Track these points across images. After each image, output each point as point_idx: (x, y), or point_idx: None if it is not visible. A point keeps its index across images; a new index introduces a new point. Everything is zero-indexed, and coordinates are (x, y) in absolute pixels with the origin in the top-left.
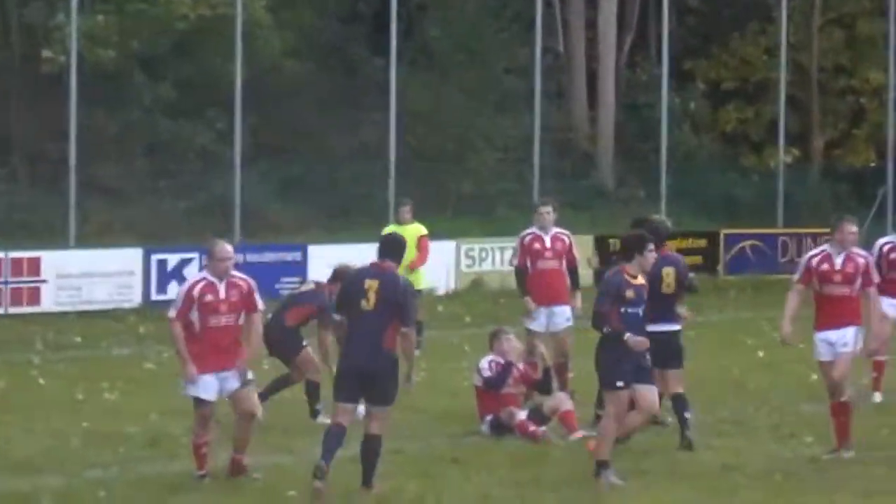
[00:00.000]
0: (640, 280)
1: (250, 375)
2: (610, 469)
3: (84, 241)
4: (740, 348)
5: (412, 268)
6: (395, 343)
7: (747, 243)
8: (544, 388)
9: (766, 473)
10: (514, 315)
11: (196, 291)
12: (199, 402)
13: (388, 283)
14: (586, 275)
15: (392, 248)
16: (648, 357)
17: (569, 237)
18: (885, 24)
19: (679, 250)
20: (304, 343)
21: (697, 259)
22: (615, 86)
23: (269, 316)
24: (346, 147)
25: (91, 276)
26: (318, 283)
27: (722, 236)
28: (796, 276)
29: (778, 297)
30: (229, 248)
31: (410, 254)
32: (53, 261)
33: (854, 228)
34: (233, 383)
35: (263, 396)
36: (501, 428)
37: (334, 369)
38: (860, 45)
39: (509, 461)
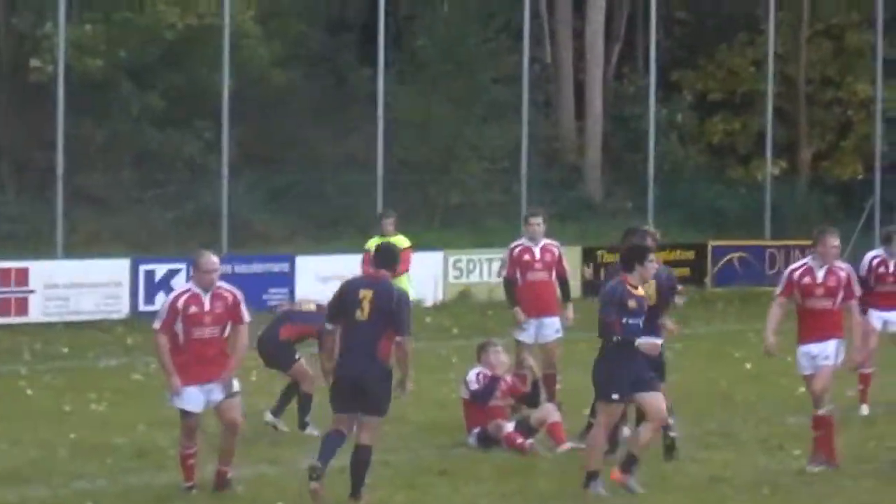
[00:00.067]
0: (641, 291)
1: (236, 387)
2: (599, 480)
3: (72, 252)
4: (728, 360)
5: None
6: (390, 353)
7: (735, 255)
8: (532, 400)
9: (753, 486)
10: (501, 326)
11: (180, 303)
12: (184, 413)
13: (382, 293)
14: (575, 286)
15: (386, 257)
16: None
17: (558, 248)
18: (873, 35)
19: (666, 262)
20: (297, 356)
21: (685, 271)
22: (602, 97)
23: (263, 329)
24: (334, 157)
25: (79, 286)
26: (319, 305)
27: (709, 248)
28: (778, 290)
29: (765, 310)
30: (215, 259)
31: None
32: (41, 271)
33: (836, 242)
34: (218, 395)
35: (278, 411)
36: (489, 440)
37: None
38: (848, 57)
39: (497, 473)
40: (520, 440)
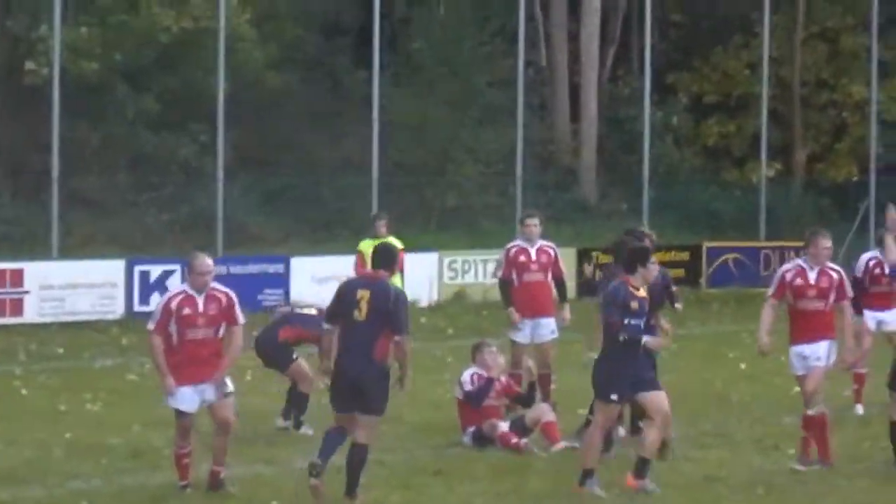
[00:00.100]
0: (643, 292)
1: (230, 387)
2: (594, 478)
3: (67, 253)
4: (723, 361)
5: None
6: (388, 353)
7: (730, 256)
8: (527, 401)
9: (748, 485)
10: (497, 327)
11: (174, 304)
12: (179, 413)
13: (379, 293)
14: (570, 287)
15: (385, 257)
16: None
17: (554, 250)
18: (868, 38)
19: (662, 263)
20: (295, 356)
21: (680, 272)
22: (598, 99)
23: (261, 329)
24: (329, 160)
25: (74, 287)
26: (320, 309)
27: (704, 249)
28: (770, 291)
29: (760, 311)
30: (210, 262)
31: None
32: (36, 272)
33: (828, 243)
34: (211, 395)
35: (287, 414)
36: (483, 440)
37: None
38: (842, 60)
39: (491, 472)
40: (514, 440)
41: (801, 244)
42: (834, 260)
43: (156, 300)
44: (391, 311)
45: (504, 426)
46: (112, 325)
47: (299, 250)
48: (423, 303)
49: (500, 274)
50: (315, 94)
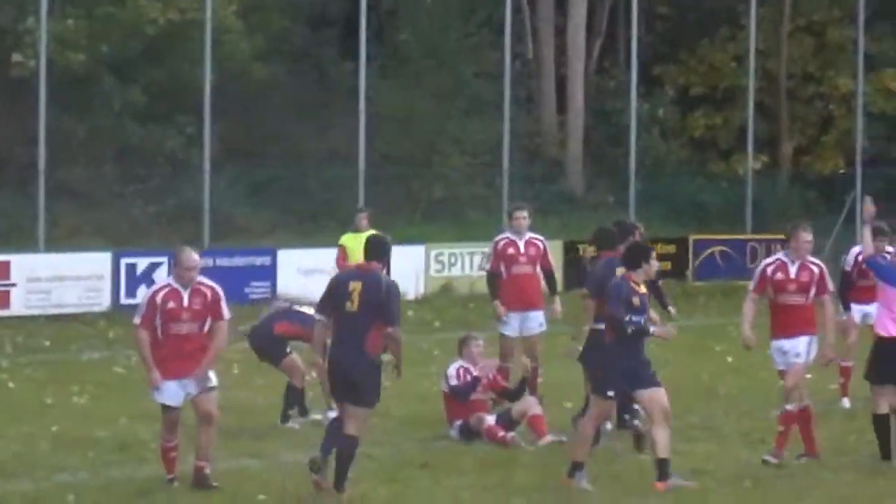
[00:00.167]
0: (643, 288)
1: (213, 381)
2: (584, 472)
3: (53, 245)
4: (709, 354)
5: None
6: (379, 345)
7: (716, 249)
8: (513, 395)
9: (735, 479)
10: (483, 320)
11: (159, 298)
12: (165, 407)
13: (371, 285)
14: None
15: (377, 249)
16: (651, 366)
17: (543, 242)
18: (854, 31)
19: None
20: (288, 350)
21: (666, 265)
22: (584, 91)
23: (256, 323)
24: (316, 151)
25: (60, 279)
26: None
27: (691, 242)
28: (751, 285)
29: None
30: (196, 256)
31: None
32: (23, 264)
33: (809, 237)
34: (193, 389)
35: (285, 409)
36: (470, 433)
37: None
38: (829, 53)
39: (478, 466)
40: (501, 433)
41: (787, 237)
42: (821, 252)
43: (143, 293)
44: (383, 302)
45: (491, 420)
46: (99, 317)
47: (286, 242)
48: (410, 296)
49: (487, 266)
50: (301, 85)
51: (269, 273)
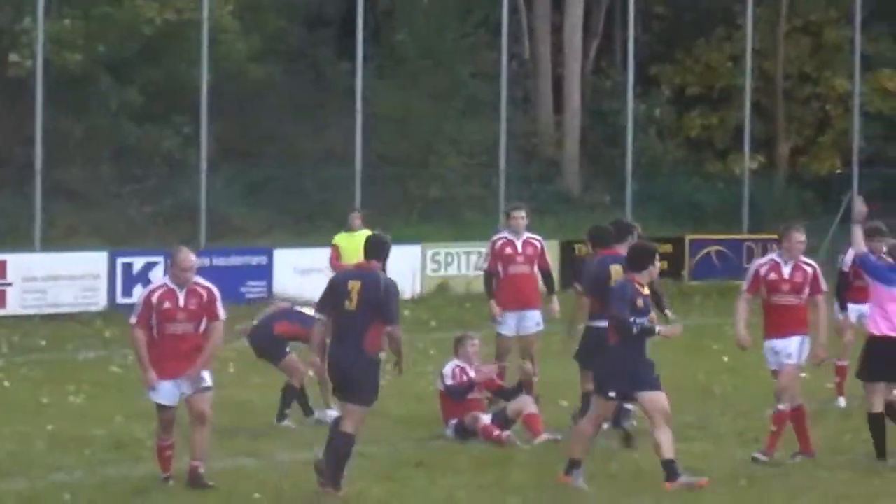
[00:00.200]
0: (646, 290)
1: (208, 381)
2: (580, 470)
3: (50, 245)
4: (705, 353)
5: None
6: (378, 344)
7: (712, 249)
8: (509, 395)
9: (731, 478)
10: (479, 319)
11: (155, 298)
12: (161, 407)
13: (369, 284)
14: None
15: (376, 248)
16: (654, 368)
17: (540, 242)
18: (851, 31)
19: None
20: (288, 350)
21: (663, 264)
22: (581, 92)
23: (257, 322)
24: (313, 152)
25: (57, 279)
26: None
27: (687, 242)
28: (745, 285)
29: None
30: (193, 257)
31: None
32: (19, 264)
33: (802, 237)
34: (186, 389)
35: (282, 408)
36: (466, 432)
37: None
38: (825, 53)
39: (474, 465)
40: (497, 432)
41: None
42: (817, 252)
43: (139, 292)
44: (381, 301)
45: (486, 419)
46: (95, 317)
47: (282, 242)
48: (406, 295)
49: (485, 266)
50: (298, 85)
51: (266, 273)
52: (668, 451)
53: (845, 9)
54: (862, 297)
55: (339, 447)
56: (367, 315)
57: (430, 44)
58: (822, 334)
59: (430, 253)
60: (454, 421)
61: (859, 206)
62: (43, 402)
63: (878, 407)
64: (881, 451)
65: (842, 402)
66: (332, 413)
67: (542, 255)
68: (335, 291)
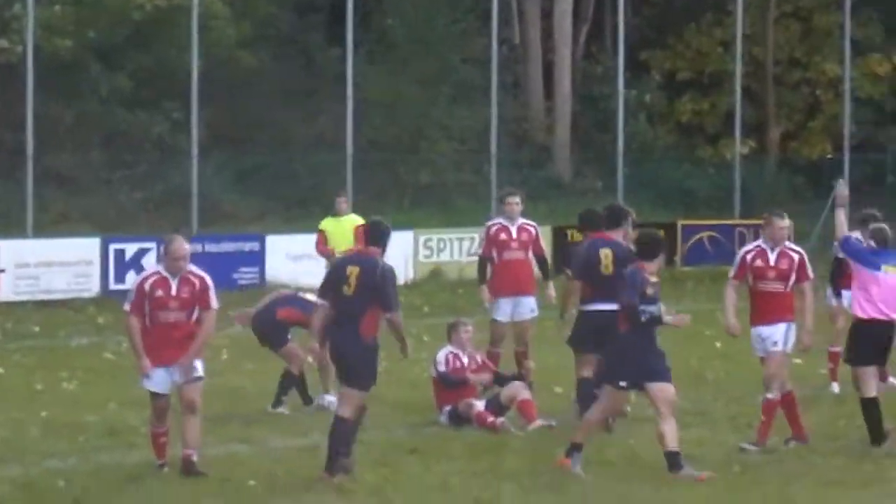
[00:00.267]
0: (655, 279)
1: (199, 371)
2: (579, 456)
3: (42, 231)
4: (698, 339)
5: None
6: (375, 329)
7: (704, 234)
8: (503, 381)
9: (724, 464)
10: (472, 305)
11: (147, 285)
12: (154, 394)
13: (367, 269)
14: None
15: (375, 234)
16: (665, 358)
17: (535, 228)
18: (841, 16)
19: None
20: (290, 337)
21: None
22: (571, 77)
23: (261, 306)
24: (304, 137)
25: (49, 265)
26: None
27: (679, 227)
28: (732, 272)
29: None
30: (186, 246)
31: (350, 244)
32: (11, 250)
33: (783, 223)
34: (178, 378)
35: (279, 394)
36: (460, 419)
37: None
38: (815, 38)
39: (468, 451)
40: (491, 419)
41: None
42: (809, 238)
43: (131, 278)
44: (378, 285)
45: (480, 405)
46: (88, 303)
47: (274, 228)
48: (399, 281)
49: (480, 251)
50: (288, 71)
51: (258, 259)
52: (672, 443)
53: None
54: None
55: (332, 431)
56: (363, 300)
57: (420, 29)
58: (808, 321)
59: (422, 239)
60: (448, 407)
61: (842, 191)
62: (36, 388)
63: (871, 391)
64: (875, 437)
65: (835, 387)
66: (330, 398)
67: (536, 240)
68: (335, 277)
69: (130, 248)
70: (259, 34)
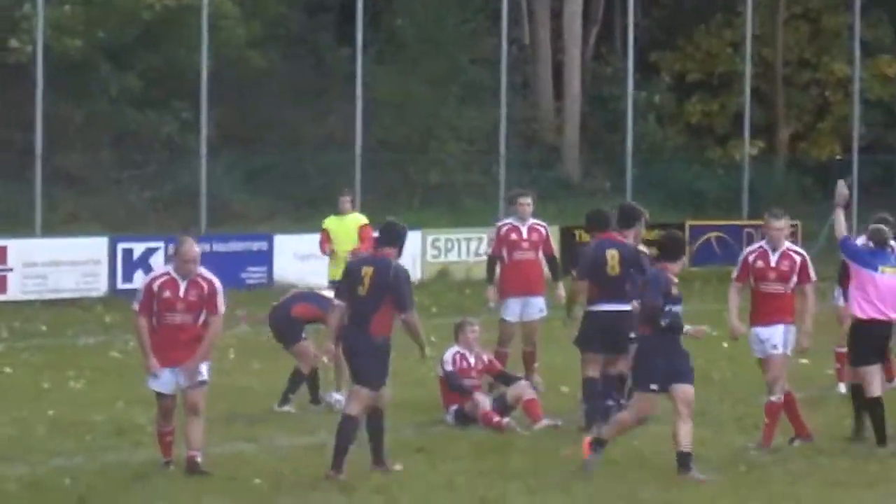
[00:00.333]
0: (676, 280)
1: (204, 375)
2: (600, 454)
3: (50, 230)
4: (705, 340)
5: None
6: (386, 329)
7: (712, 235)
8: (509, 380)
9: (730, 464)
10: (480, 305)
11: (156, 286)
12: (159, 394)
13: (381, 270)
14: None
15: (389, 235)
16: (689, 359)
17: (545, 228)
18: (850, 17)
19: (645, 241)
20: (304, 335)
21: None
22: (581, 78)
23: (276, 303)
24: (313, 137)
25: (57, 264)
26: None
27: (687, 228)
28: (734, 273)
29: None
30: (196, 249)
31: (353, 244)
32: (20, 249)
33: (780, 224)
34: (182, 381)
35: (286, 392)
36: (466, 418)
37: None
38: (825, 39)
39: (474, 450)
40: (496, 419)
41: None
42: (817, 238)
43: (139, 278)
44: (391, 286)
45: (486, 404)
46: (96, 302)
47: (283, 227)
48: None
49: (490, 251)
50: (298, 71)
51: (266, 258)
52: (686, 444)
53: None
54: None
55: (339, 429)
56: (376, 300)
57: (429, 29)
58: (807, 324)
59: (430, 239)
60: (454, 407)
61: (842, 190)
62: (44, 387)
63: (876, 391)
64: (881, 437)
65: (842, 388)
66: (338, 397)
67: (546, 240)
68: (350, 277)
69: (138, 248)
70: (269, 34)
